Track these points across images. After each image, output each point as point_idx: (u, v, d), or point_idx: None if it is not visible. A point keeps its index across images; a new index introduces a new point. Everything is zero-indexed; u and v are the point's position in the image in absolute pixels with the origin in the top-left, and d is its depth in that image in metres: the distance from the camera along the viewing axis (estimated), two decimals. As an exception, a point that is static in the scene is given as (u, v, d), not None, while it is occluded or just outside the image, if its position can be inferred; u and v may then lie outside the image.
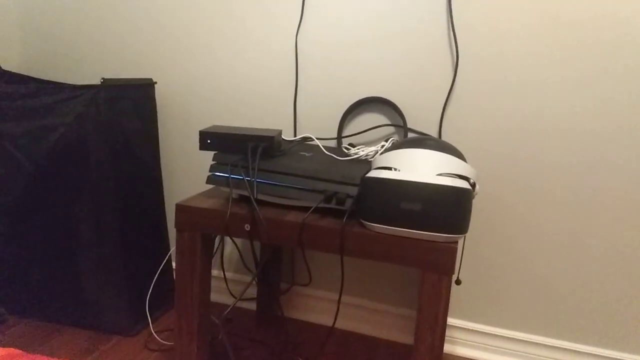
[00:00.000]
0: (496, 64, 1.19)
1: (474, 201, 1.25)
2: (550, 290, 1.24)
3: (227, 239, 1.48)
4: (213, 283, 1.51)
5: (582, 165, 1.17)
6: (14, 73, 1.43)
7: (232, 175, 1.00)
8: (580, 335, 1.24)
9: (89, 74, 1.55)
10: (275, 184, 0.99)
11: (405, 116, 1.26)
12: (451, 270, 0.87)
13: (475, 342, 1.31)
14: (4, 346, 1.17)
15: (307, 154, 1.11)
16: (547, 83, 1.16)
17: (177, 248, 1.03)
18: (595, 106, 1.15)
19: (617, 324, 1.21)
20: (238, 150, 1.04)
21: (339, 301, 1.01)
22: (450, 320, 1.33)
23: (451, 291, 1.24)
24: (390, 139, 1.18)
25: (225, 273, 1.51)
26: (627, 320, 1.20)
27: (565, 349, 1.25)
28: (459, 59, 1.21)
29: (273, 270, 1.36)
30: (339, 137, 1.30)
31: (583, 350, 1.23)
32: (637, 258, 1.17)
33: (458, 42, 1.20)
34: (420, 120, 1.26)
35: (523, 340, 1.27)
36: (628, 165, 1.14)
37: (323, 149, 1.18)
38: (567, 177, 1.19)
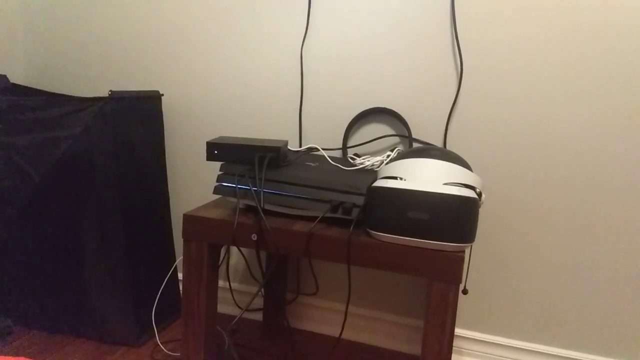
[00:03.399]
0: (500, 77, 1.20)
1: (479, 211, 1.25)
2: (555, 300, 1.24)
3: (233, 250, 1.48)
4: (218, 294, 1.51)
5: (582, 181, 1.18)
6: (22, 86, 1.45)
7: (239, 186, 1.01)
8: (583, 345, 1.23)
9: (96, 87, 1.57)
10: (282, 194, 0.99)
11: (410, 127, 1.27)
12: (459, 280, 0.87)
13: (482, 353, 1.31)
14: (13, 356, 1.17)
15: (313, 164, 1.11)
16: (550, 97, 1.17)
17: (184, 258, 1.03)
18: (597, 121, 1.15)
19: (620, 333, 1.20)
20: (245, 160, 1.04)
21: (346, 311, 1.01)
22: (457, 331, 1.33)
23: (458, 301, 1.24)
24: (396, 149, 1.19)
25: (231, 284, 1.51)
26: (629, 329, 1.19)
27: (570, 358, 1.24)
28: (463, 71, 1.22)
29: (279, 281, 1.36)
30: (344, 148, 1.31)
31: (587, 359, 1.23)
32: (635, 269, 1.17)
33: (462, 55, 1.21)
34: (425, 131, 1.27)
35: (530, 350, 1.27)
36: (628, 180, 1.15)
37: (329, 159, 1.19)
38: (568, 190, 1.19)
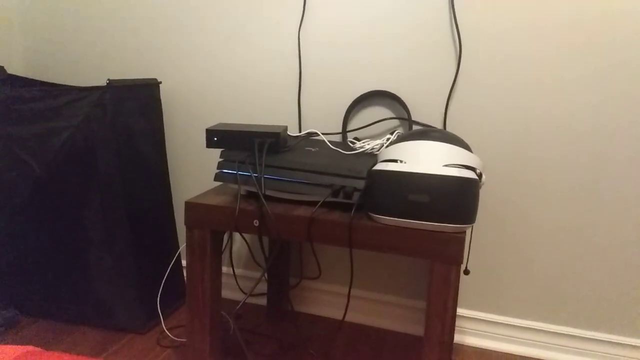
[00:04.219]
0: (498, 61, 1.19)
1: (480, 192, 1.25)
2: (557, 279, 1.25)
3: (235, 236, 1.49)
4: (222, 280, 1.52)
5: (582, 162, 1.18)
6: (20, 77, 1.44)
7: (239, 172, 1.01)
8: (586, 322, 1.24)
9: (93, 77, 1.56)
10: (283, 180, 1.00)
11: (410, 110, 1.26)
12: (460, 260, 0.88)
13: (485, 332, 1.32)
14: (22, 344, 1.18)
15: (313, 149, 1.11)
16: (548, 80, 1.16)
17: (187, 245, 1.04)
18: (596, 104, 1.15)
19: (624, 310, 1.21)
20: (245, 147, 1.04)
21: (348, 294, 1.02)
22: (459, 311, 1.34)
23: (460, 281, 1.25)
24: (396, 132, 1.19)
25: (234, 269, 1.53)
26: (631, 306, 1.20)
27: (573, 336, 1.25)
28: (462, 54, 1.21)
29: (282, 265, 1.37)
30: (344, 132, 1.31)
31: (590, 336, 1.24)
32: (637, 247, 1.17)
33: (462, 38, 1.20)
34: (425, 113, 1.26)
35: (532, 329, 1.28)
36: (627, 163, 1.15)
37: (328, 143, 1.19)
38: (568, 173, 1.19)
